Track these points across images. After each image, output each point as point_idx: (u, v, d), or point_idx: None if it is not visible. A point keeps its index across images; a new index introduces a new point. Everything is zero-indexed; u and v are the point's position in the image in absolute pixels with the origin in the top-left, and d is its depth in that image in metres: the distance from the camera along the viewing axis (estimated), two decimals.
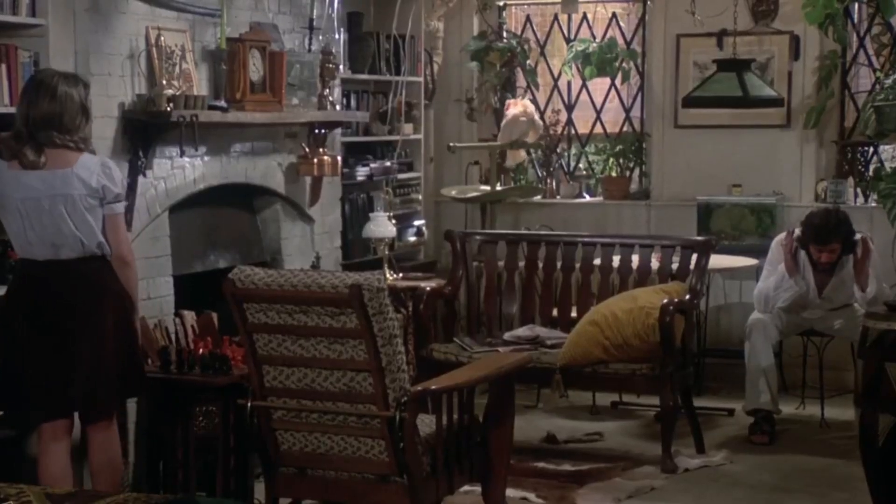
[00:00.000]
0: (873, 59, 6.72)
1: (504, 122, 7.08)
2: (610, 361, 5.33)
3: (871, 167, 6.76)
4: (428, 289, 5.77)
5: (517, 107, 6.99)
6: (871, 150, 6.80)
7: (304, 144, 5.88)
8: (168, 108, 4.67)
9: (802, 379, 6.25)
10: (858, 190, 6.75)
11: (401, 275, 6.26)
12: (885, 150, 6.88)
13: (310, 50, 5.84)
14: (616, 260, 5.90)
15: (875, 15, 6.64)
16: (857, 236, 5.83)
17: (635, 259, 5.87)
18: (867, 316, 4.72)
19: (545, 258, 6.03)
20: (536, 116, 6.97)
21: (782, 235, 5.94)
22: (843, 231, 5.61)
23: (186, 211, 5.20)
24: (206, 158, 5.19)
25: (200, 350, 4.58)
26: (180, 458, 4.48)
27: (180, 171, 5.08)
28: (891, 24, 6.62)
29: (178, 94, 4.78)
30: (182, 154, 4.95)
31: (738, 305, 6.85)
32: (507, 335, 5.81)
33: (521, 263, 6.06)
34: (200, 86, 5.12)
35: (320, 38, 5.87)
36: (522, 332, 5.82)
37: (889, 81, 6.33)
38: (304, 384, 4.04)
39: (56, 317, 3.83)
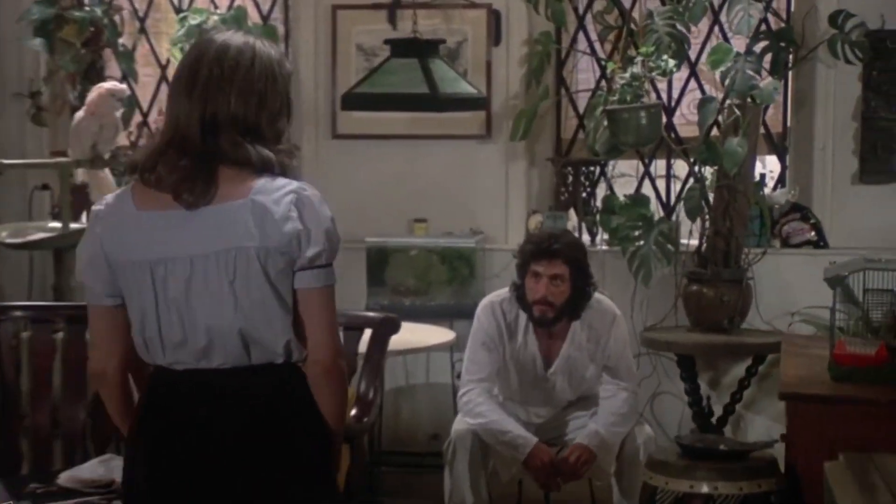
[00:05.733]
0: (597, 45, 5.22)
1: (71, 126, 5.28)
2: None
3: (600, 195, 5.18)
4: None
5: (93, 93, 5.19)
6: (598, 170, 5.23)
7: None
8: None
9: None
10: (584, 226, 5.19)
11: None
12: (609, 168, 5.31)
13: None
14: None
15: None
16: (604, 301, 4.21)
17: None
18: (650, 466, 2.93)
19: None
20: (118, 112, 5.18)
21: (490, 299, 4.23)
22: (571, 246, 4.11)
23: None
24: None
25: None
26: None
27: None
28: None
29: None
30: None
31: (424, 388, 5.30)
32: (65, 476, 3.79)
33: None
34: None
35: None
36: (91, 468, 3.84)
37: (626, 76, 4.72)
38: None
39: (198, 473, 2.36)
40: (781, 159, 5.13)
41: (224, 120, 2.30)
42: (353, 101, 4.94)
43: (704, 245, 4.76)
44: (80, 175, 5.26)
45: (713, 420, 4.71)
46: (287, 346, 2.33)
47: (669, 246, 4.70)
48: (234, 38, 2.36)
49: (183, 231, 2.31)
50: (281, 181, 2.31)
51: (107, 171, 5.25)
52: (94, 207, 2.43)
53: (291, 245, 2.27)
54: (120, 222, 2.34)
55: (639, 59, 4.72)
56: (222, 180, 2.30)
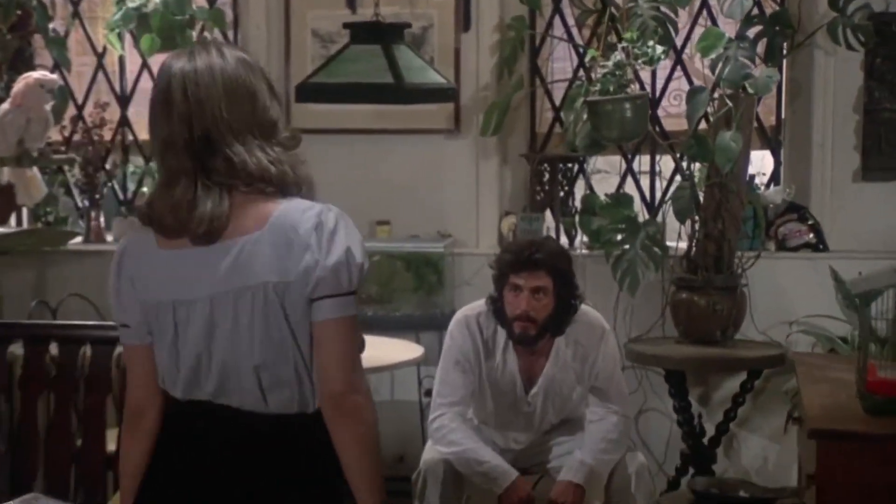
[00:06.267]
0: (574, 31, 4.87)
1: None
2: None
3: (579, 194, 4.84)
4: None
5: (20, 83, 4.87)
6: (576, 168, 4.87)
7: None
8: None
9: None
10: (562, 228, 4.83)
11: None
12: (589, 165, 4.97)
13: None
14: None
15: None
16: (591, 314, 3.85)
17: None
18: None
19: (63, 362, 3.72)
20: (48, 104, 4.84)
21: (465, 313, 3.85)
22: (555, 255, 3.75)
23: None
24: None
25: None
26: None
27: None
28: None
29: None
30: None
31: (388, 405, 4.92)
32: None
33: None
34: None
35: None
36: None
37: (609, 64, 4.36)
38: None
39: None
40: (775, 154, 4.77)
41: (218, 131, 2.19)
42: (309, 92, 4.56)
43: (694, 249, 4.42)
44: (6, 174, 4.95)
45: (705, 440, 4.35)
46: (305, 394, 2.22)
47: (657, 250, 4.34)
48: (195, 53, 2.27)
49: (202, 270, 2.22)
50: (300, 205, 2.20)
51: (35, 169, 4.98)
52: (119, 243, 2.37)
53: (309, 277, 2.16)
54: (144, 261, 2.27)
55: (622, 45, 4.36)
56: (235, 207, 2.18)
